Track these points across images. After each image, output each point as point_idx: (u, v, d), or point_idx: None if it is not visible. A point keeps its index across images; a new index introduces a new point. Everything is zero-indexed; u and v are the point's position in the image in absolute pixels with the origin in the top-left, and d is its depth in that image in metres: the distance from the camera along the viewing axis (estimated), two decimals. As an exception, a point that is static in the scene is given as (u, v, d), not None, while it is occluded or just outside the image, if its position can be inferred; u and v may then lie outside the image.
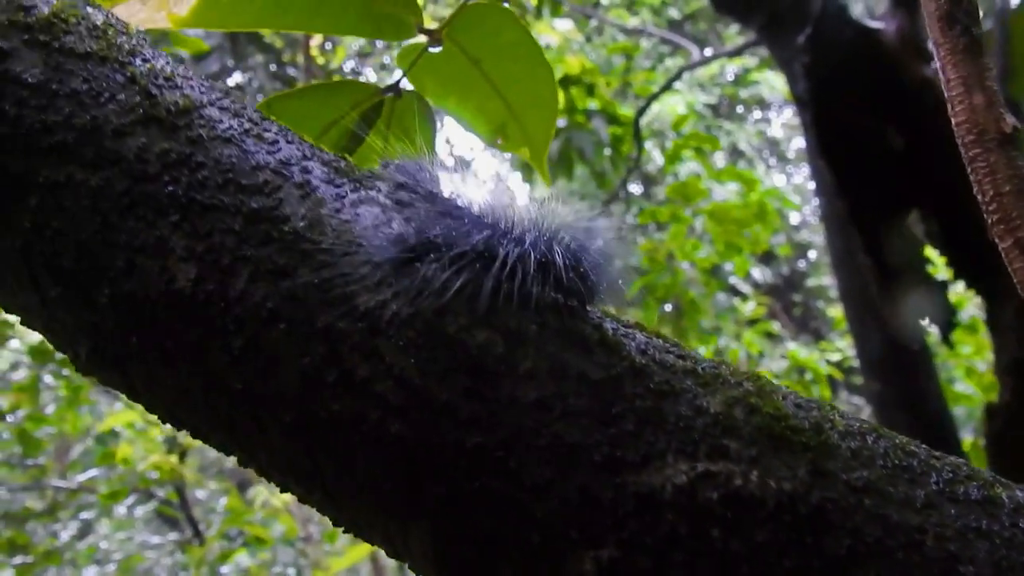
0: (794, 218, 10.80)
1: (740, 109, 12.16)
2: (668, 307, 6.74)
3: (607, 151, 6.47)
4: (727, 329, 7.18)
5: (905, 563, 0.53)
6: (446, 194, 0.62)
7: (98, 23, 0.62)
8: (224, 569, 6.05)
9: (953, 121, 0.63)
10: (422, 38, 1.05)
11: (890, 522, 0.54)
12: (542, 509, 0.54)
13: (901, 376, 3.55)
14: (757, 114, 12.08)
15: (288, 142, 0.62)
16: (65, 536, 6.40)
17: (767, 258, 8.75)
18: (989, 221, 0.61)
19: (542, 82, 1.16)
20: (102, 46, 0.61)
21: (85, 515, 6.09)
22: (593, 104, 6.16)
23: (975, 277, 2.82)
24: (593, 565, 0.53)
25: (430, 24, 1.05)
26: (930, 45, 0.63)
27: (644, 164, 8.11)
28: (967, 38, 0.62)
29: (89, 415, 5.46)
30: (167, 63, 0.63)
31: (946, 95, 0.63)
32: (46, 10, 0.60)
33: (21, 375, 5.11)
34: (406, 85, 1.12)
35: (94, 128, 0.57)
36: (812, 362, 6.89)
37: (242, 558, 6.02)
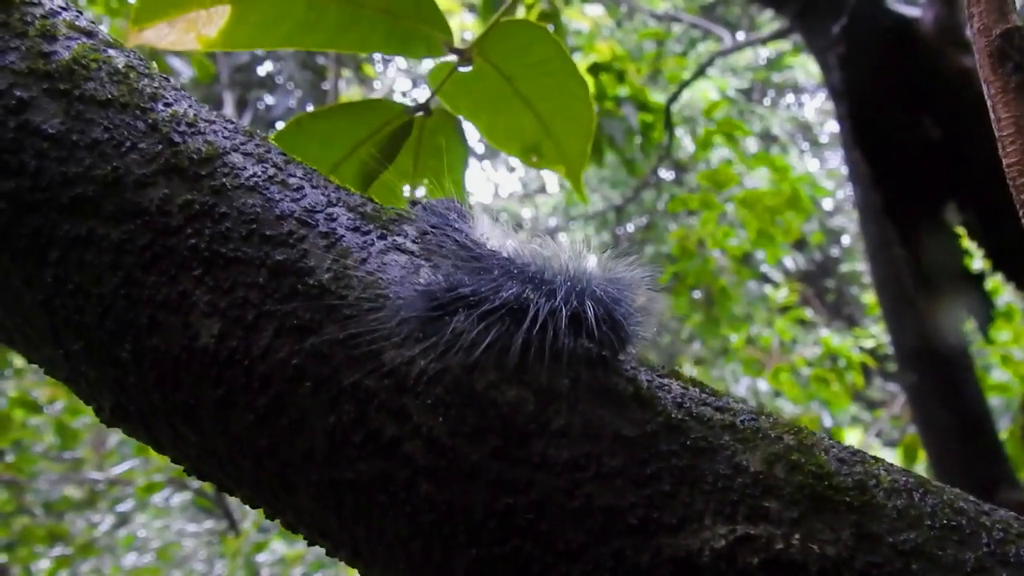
0: (827, 204, 10.70)
1: (773, 94, 12.04)
2: (698, 294, 6.71)
3: (637, 138, 6.43)
4: (759, 317, 7.14)
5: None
6: (475, 236, 0.60)
7: (119, 67, 0.61)
8: (259, 558, 6.11)
9: (1004, 162, 0.60)
10: (452, 57, 1.03)
11: (937, 585, 0.52)
12: (576, 572, 0.53)
13: (937, 367, 3.50)
14: (790, 98, 11.95)
15: (313, 187, 0.61)
16: (104, 526, 6.48)
17: (800, 244, 8.67)
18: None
19: (576, 98, 1.14)
20: (123, 91, 0.59)
21: (122, 507, 6.15)
22: (623, 91, 6.11)
23: (1014, 268, 2.78)
24: (629, 631, 0.52)
25: (459, 42, 1.03)
26: (981, 81, 0.61)
27: (675, 151, 8.06)
28: (1019, 76, 0.59)
29: None
30: (190, 106, 0.61)
31: (996, 135, 0.60)
32: (67, 55, 0.59)
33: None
34: (437, 103, 1.10)
35: (115, 180, 0.56)
36: (845, 349, 6.83)
37: (277, 546, 6.07)
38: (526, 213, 11.10)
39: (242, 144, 0.61)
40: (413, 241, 0.60)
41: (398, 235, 0.61)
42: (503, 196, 11.34)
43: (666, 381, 0.59)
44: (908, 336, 3.54)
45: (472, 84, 1.06)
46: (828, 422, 7.09)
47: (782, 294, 7.56)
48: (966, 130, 2.65)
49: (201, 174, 0.58)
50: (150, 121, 0.59)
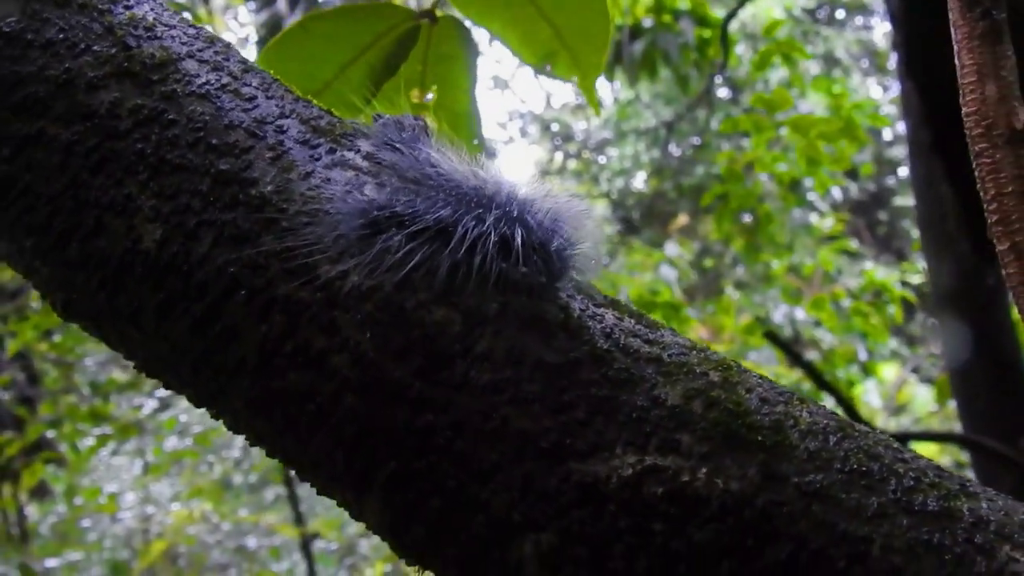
0: (887, 134, 10.44)
1: (840, 14, 11.66)
2: (747, 218, 6.64)
3: (693, 55, 6.29)
4: (801, 244, 7.06)
5: (846, 572, 0.52)
6: (427, 157, 0.61)
7: (83, -34, 0.61)
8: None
9: (963, 110, 0.59)
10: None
11: (836, 531, 0.53)
12: (487, 491, 0.55)
13: (972, 309, 3.45)
14: (859, 20, 11.58)
15: (268, 98, 0.62)
16: (146, 409, 6.67)
17: (853, 173, 8.51)
18: (988, 221, 0.58)
19: (593, 9, 1.12)
20: (84, -8, 0.60)
21: (161, 392, 6.33)
22: (682, 3, 5.95)
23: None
24: (533, 549, 0.54)
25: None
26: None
27: (733, 70, 7.88)
28: (987, 22, 0.57)
29: None
30: (151, 9, 0.62)
31: (959, 82, 0.59)
32: (28, -46, 0.60)
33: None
34: (447, 9, 1.09)
35: (67, 81, 0.57)
36: (888, 283, 6.74)
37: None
38: (578, 125, 10.98)
39: (199, 51, 0.61)
40: (364, 158, 0.61)
41: (349, 150, 0.61)
42: (555, 106, 11.21)
43: (600, 311, 0.59)
44: (946, 276, 3.49)
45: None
46: (864, 355, 7.04)
47: (828, 223, 7.46)
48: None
49: (153, 79, 0.59)
50: (106, 23, 0.59)
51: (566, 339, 0.57)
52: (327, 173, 0.59)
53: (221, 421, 0.64)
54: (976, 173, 0.58)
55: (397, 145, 0.61)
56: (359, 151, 0.61)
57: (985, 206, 0.58)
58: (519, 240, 0.55)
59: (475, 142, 1.13)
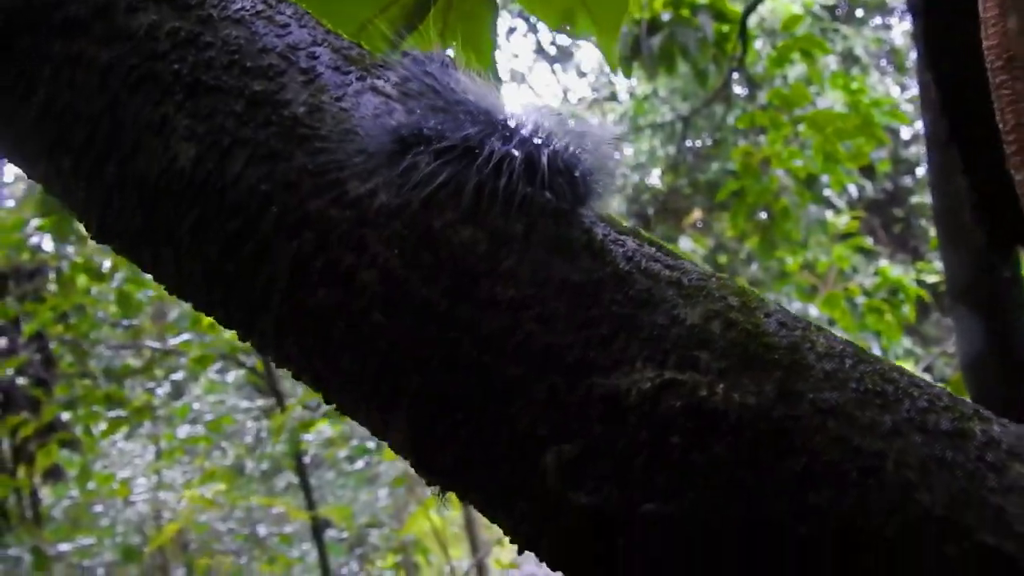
0: (905, 133, 10.40)
1: (860, 13, 11.62)
2: (763, 215, 6.62)
3: (712, 49, 6.25)
4: (815, 241, 7.04)
5: (860, 486, 0.53)
6: (454, 85, 0.62)
7: None
8: (307, 436, 6.28)
9: (984, 44, 0.60)
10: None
11: (850, 446, 0.54)
12: (512, 406, 0.56)
13: (989, 302, 3.44)
14: (877, 20, 11.54)
15: (301, 26, 0.63)
16: (160, 395, 6.71)
17: (869, 172, 8.48)
18: (1008, 151, 0.59)
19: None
20: (124, -79, 0.61)
21: (175, 376, 6.35)
22: (701, -3, 5.92)
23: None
24: (554, 459, 0.55)
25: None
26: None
27: (752, 65, 7.85)
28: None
29: None
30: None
31: (980, 15, 0.60)
32: None
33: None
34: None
35: (107, 4, 0.59)
36: (903, 281, 6.73)
37: (324, 428, 6.24)
38: (594, 120, 10.99)
39: (235, -21, 0.63)
40: (393, 86, 0.62)
41: (379, 79, 0.63)
42: (572, 101, 11.22)
43: (623, 238, 0.61)
44: (961, 268, 3.48)
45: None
46: (877, 353, 7.01)
47: (843, 220, 7.42)
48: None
49: (190, 3, 0.60)
50: (145, -50, 0.61)
51: (590, 260, 0.58)
52: (357, 98, 0.61)
53: (256, 352, 0.65)
54: (995, 105, 0.59)
55: (426, 76, 0.62)
56: (389, 80, 0.63)
57: (1004, 137, 0.59)
58: (544, 162, 0.57)
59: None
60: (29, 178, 0.67)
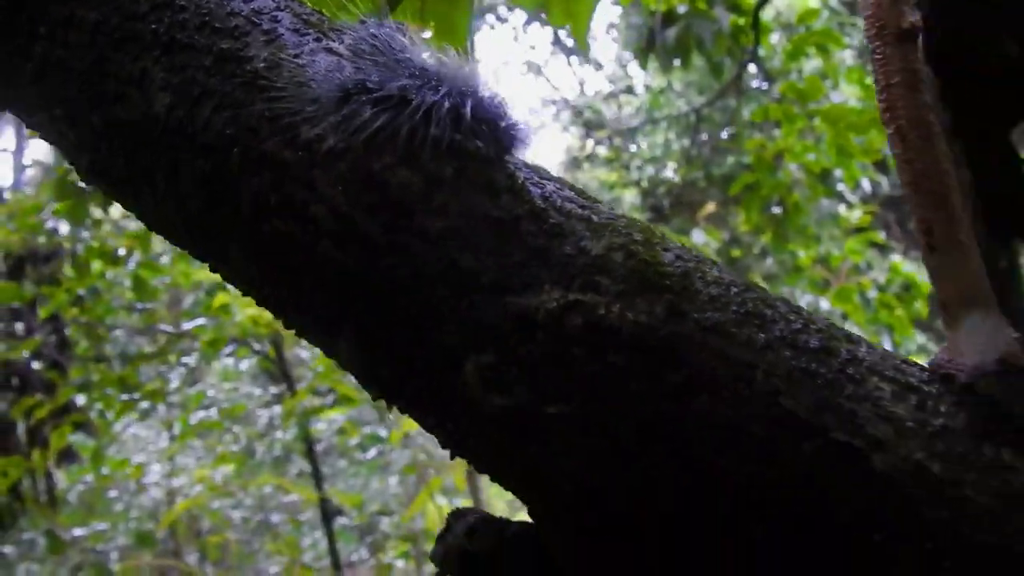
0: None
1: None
2: (778, 209, 6.62)
3: (727, 42, 6.24)
4: (828, 235, 7.04)
5: (734, 392, 0.62)
6: (399, 47, 0.71)
7: None
8: (319, 425, 6.36)
9: (862, 15, 0.68)
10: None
11: (728, 358, 0.62)
12: (439, 321, 0.65)
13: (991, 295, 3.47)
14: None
15: (266, -6, 0.72)
16: (174, 381, 6.80)
17: (885, 167, 8.48)
18: (880, 110, 0.67)
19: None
20: None
21: (188, 360, 6.44)
22: (717, -10, 5.92)
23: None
24: (474, 367, 0.64)
25: None
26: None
27: (769, 59, 7.86)
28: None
29: (202, 269, 5.68)
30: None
31: (860, -10, 0.68)
32: None
33: (135, 224, 5.40)
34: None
35: (95, -30, 0.68)
36: (914, 276, 6.74)
37: (337, 417, 6.32)
38: (609, 112, 11.03)
39: (208, -48, 0.72)
40: (346, 47, 0.71)
41: (333, 41, 0.71)
42: (588, 93, 11.28)
43: (544, 181, 0.69)
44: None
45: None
46: (888, 347, 6.99)
47: (856, 215, 7.42)
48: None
49: (168, -30, 0.69)
50: (130, -73, 0.70)
51: (510, 199, 0.66)
52: (312, 56, 0.69)
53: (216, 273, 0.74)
54: (872, 68, 0.67)
55: (374, 39, 0.71)
56: (343, 42, 0.72)
57: (877, 96, 0.67)
58: (468, 111, 0.65)
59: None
60: (27, 127, 0.76)
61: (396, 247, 0.65)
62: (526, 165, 0.70)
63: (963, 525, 0.60)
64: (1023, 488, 0.61)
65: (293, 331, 0.74)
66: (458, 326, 0.64)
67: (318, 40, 0.71)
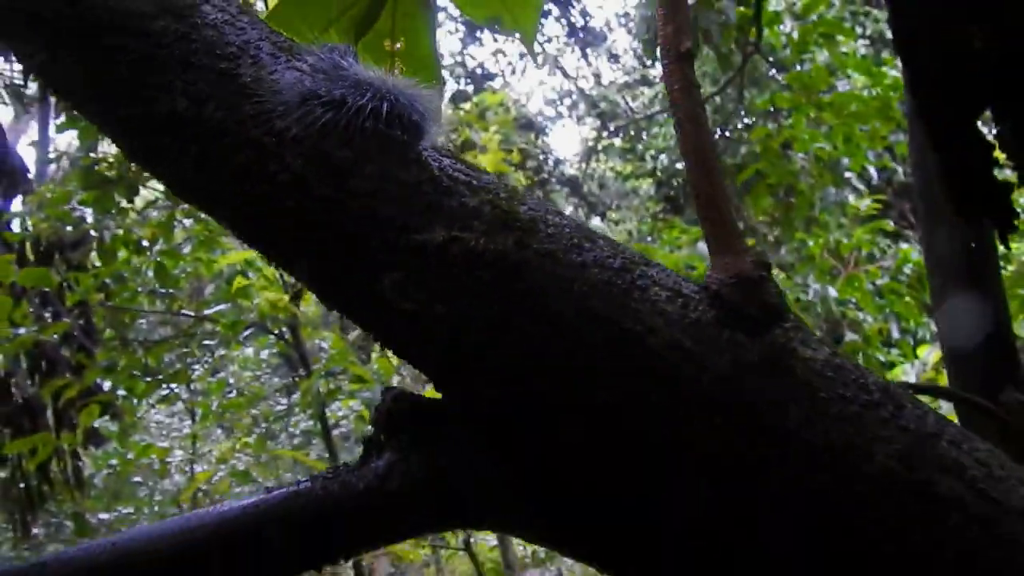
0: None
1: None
2: (792, 199, 6.79)
3: (735, 33, 6.41)
4: (834, 223, 7.15)
5: (557, 297, 0.93)
6: (345, 66, 1.02)
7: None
8: (338, 411, 6.59)
9: (658, 41, 0.99)
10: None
11: (556, 274, 0.94)
12: (366, 250, 0.96)
13: (967, 274, 3.72)
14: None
15: (253, 29, 1.04)
16: (197, 369, 7.09)
17: (901, 156, 8.64)
18: (671, 111, 0.97)
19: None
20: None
21: (208, 342, 6.71)
22: (723, -18, 6.08)
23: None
24: (389, 281, 0.95)
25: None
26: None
27: (779, 50, 8.03)
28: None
29: (223, 258, 5.92)
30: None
31: (659, 23, 0.99)
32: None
33: (157, 213, 5.67)
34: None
35: (132, 12, 1.00)
36: (921, 263, 6.89)
37: (355, 404, 6.54)
38: (624, 102, 11.29)
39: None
40: (308, 66, 1.03)
41: (299, 61, 1.03)
42: (604, 84, 11.56)
43: (443, 158, 1.01)
44: (939, 243, 3.77)
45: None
46: (896, 334, 7.15)
47: (865, 203, 7.53)
48: (1013, 38, 2.84)
49: (185, 14, 1.01)
50: (159, -18, 1.02)
51: (417, 169, 0.98)
52: (283, 73, 1.01)
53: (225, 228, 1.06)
54: (664, 82, 0.98)
55: (329, 60, 1.03)
56: (305, 62, 1.03)
57: (670, 103, 0.97)
58: (385, 109, 0.97)
59: (435, 80, 1.54)
60: (90, 122, 1.09)
61: (335, 201, 0.97)
62: (433, 147, 1.02)
63: (709, 385, 0.91)
64: (751, 359, 0.92)
65: (274, 266, 1.06)
66: (378, 253, 0.96)
67: (287, 62, 1.03)
